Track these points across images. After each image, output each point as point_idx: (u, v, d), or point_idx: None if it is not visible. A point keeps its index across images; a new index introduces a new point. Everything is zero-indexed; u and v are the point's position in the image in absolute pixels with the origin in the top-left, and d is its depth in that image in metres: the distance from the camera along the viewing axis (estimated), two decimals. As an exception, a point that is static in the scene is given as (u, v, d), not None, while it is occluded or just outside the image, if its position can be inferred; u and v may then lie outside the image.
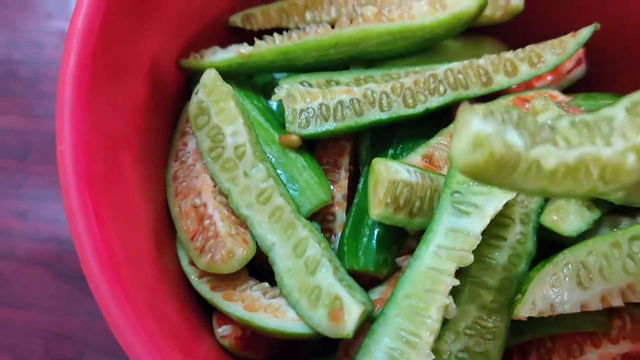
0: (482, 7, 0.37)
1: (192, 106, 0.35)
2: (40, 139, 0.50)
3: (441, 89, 0.35)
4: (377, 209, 0.31)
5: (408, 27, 0.37)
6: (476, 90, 0.35)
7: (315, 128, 0.35)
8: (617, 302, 0.31)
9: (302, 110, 0.35)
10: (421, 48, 0.38)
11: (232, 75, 0.37)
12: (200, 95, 0.35)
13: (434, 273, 0.29)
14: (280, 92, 0.35)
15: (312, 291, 0.30)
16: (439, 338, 0.30)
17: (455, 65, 0.35)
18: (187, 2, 0.36)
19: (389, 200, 0.31)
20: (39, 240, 0.48)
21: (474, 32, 0.41)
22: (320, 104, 0.35)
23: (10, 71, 0.51)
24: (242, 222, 0.33)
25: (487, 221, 0.30)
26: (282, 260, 0.31)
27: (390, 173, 0.31)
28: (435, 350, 0.30)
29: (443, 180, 0.32)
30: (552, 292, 0.31)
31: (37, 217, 0.48)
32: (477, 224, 0.30)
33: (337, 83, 0.36)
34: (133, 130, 0.33)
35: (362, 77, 0.37)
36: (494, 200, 0.31)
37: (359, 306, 0.29)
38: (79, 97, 0.28)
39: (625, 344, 0.34)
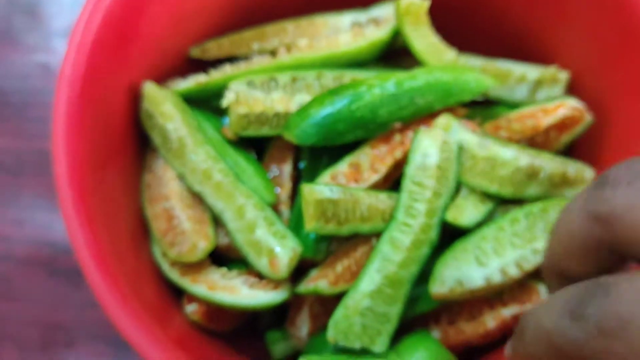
0: (394, 34, 0.45)
1: (141, 113, 0.42)
2: (32, 156, 0.56)
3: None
4: (310, 224, 0.38)
5: (334, 54, 0.44)
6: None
7: (253, 131, 0.42)
8: (514, 271, 0.38)
9: (245, 115, 0.41)
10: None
11: (192, 99, 0.44)
12: (144, 104, 0.42)
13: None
14: (230, 96, 0.41)
15: (255, 245, 0.38)
16: (347, 296, 0.38)
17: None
18: (155, 43, 0.43)
19: (318, 215, 0.39)
20: (34, 244, 0.54)
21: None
22: (261, 112, 0.41)
23: (3, 99, 0.58)
24: (204, 220, 0.41)
25: None
26: (230, 221, 0.39)
27: (315, 194, 0.38)
28: (344, 305, 0.37)
29: (360, 195, 0.40)
30: (456, 271, 0.38)
31: (31, 224, 0.55)
32: None
33: (277, 82, 0.42)
34: (115, 150, 0.40)
35: (297, 75, 0.43)
36: None
37: (288, 253, 0.38)
38: (70, 129, 0.35)
39: (514, 306, 0.40)
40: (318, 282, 0.39)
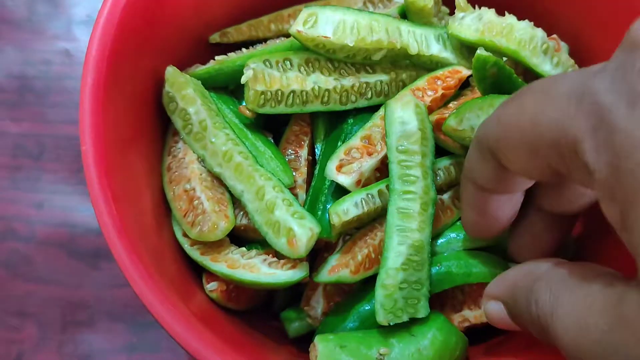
0: (402, 12, 0.47)
1: (163, 97, 0.43)
2: (53, 141, 0.58)
3: (369, 94, 0.44)
4: (334, 233, 0.41)
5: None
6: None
7: (269, 109, 0.43)
8: None
9: (262, 92, 0.42)
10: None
11: (211, 84, 0.45)
12: (166, 87, 0.43)
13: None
14: (248, 73, 0.42)
15: (274, 225, 0.39)
16: (380, 277, 0.39)
17: (385, 77, 0.44)
18: (176, 29, 0.44)
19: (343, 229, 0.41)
20: (54, 226, 0.56)
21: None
22: (277, 90, 0.42)
23: (25, 85, 0.59)
24: (223, 201, 0.42)
25: None
26: (249, 202, 0.40)
27: (342, 217, 0.40)
28: (382, 286, 0.38)
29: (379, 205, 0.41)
30: (475, 119, 0.40)
31: (51, 207, 0.56)
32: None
33: (291, 63, 0.43)
34: (137, 132, 0.41)
35: (310, 57, 0.44)
36: None
37: (306, 233, 0.39)
38: (96, 109, 0.36)
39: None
40: (340, 272, 0.40)
